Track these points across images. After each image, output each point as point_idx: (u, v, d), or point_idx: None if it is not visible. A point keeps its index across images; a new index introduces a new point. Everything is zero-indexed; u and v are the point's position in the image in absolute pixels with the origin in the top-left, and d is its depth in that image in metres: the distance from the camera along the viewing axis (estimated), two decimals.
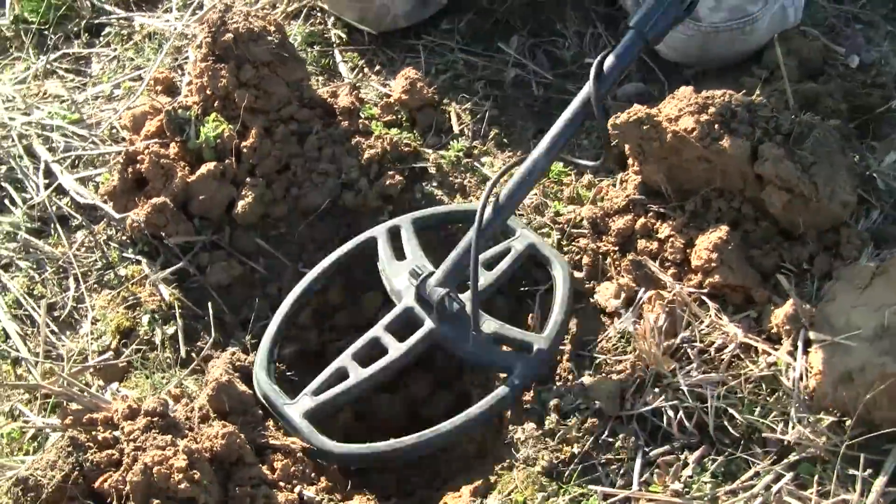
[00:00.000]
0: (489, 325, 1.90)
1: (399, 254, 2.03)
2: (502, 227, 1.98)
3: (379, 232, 2.06)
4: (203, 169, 2.14)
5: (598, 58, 1.92)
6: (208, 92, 2.22)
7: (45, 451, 1.76)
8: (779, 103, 2.12)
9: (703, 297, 1.92)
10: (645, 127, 2.02)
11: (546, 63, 2.49)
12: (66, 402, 1.81)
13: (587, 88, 1.89)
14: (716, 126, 1.97)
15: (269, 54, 2.21)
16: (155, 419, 1.74)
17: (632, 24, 1.93)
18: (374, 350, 1.92)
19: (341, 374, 1.90)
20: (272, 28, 2.23)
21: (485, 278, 1.95)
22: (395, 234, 2.06)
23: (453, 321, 1.90)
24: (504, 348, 1.92)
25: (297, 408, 1.86)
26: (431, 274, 1.93)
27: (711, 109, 1.99)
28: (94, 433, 1.75)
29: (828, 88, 2.23)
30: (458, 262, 1.91)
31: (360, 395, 1.90)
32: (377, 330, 1.93)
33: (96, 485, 1.70)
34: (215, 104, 2.23)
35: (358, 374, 1.88)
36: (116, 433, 1.75)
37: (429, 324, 1.90)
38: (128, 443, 1.72)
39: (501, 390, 1.85)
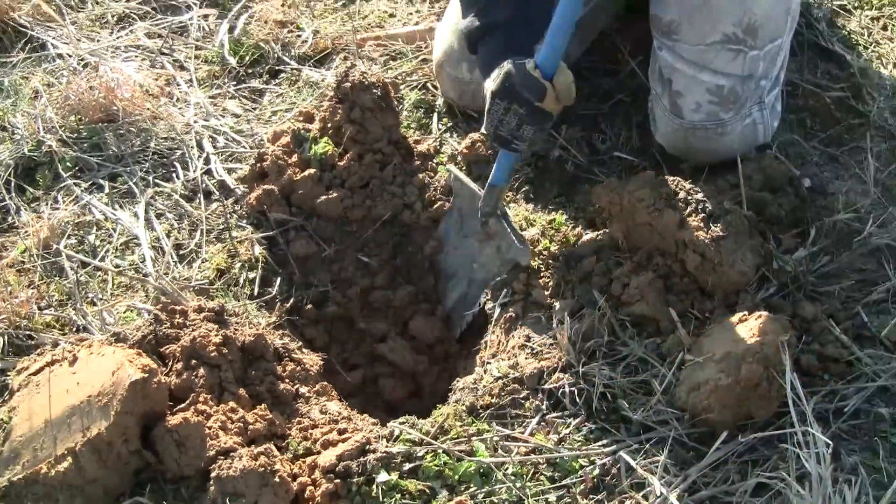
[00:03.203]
0: None
1: None
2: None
3: None
4: (306, 173, 2.82)
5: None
6: (327, 123, 2.89)
7: (137, 322, 2.52)
8: (733, 201, 2.58)
9: (627, 323, 2.46)
10: (613, 194, 2.59)
11: (585, 150, 2.98)
12: (161, 294, 2.58)
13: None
14: (660, 201, 2.52)
15: (372, 102, 2.84)
16: (211, 314, 2.44)
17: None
18: None
19: None
20: (379, 84, 2.86)
21: None
22: None
23: None
24: None
25: None
26: None
27: (660, 189, 2.54)
28: (171, 316, 2.44)
29: (777, 199, 2.68)
30: None
31: None
32: None
33: (161, 349, 2.38)
34: (330, 132, 2.89)
35: None
36: (185, 320, 2.44)
37: None
38: (189, 325, 2.44)
39: None
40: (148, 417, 2.21)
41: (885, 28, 3.32)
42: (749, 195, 2.67)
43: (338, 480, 2.18)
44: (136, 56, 3.47)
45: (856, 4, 3.41)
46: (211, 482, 2.13)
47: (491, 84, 2.48)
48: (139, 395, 2.17)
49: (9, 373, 2.43)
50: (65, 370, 2.30)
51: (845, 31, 3.32)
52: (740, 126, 2.81)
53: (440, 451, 2.25)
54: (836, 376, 2.36)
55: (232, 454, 2.16)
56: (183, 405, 2.25)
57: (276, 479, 2.13)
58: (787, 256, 2.57)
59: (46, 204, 2.91)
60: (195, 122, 3.15)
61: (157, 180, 2.99)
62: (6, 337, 2.51)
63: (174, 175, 3.06)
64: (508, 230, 2.64)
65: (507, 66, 2.44)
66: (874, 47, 3.26)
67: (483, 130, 2.63)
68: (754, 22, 2.71)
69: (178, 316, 2.45)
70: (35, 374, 2.35)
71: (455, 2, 3.03)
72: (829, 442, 1.99)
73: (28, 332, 2.53)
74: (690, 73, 2.77)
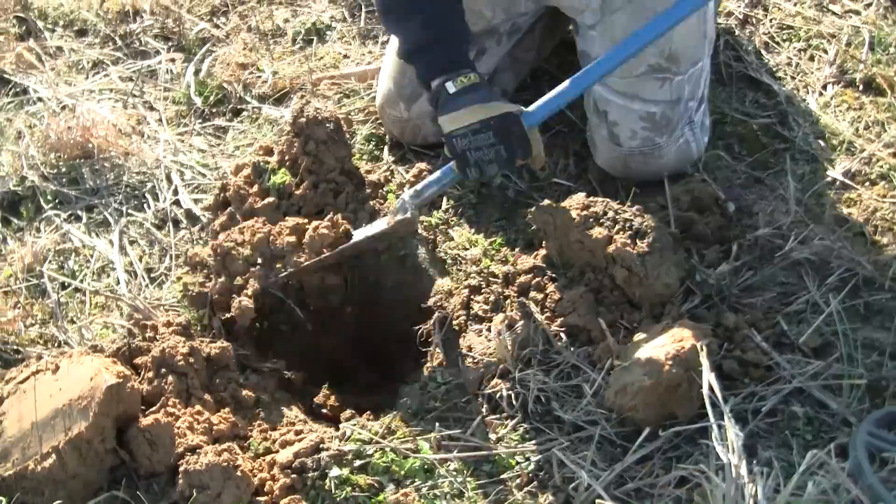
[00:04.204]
0: None
1: None
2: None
3: None
4: (266, 201, 2.99)
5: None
6: (285, 155, 3.06)
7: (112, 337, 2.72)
8: (661, 221, 2.75)
9: (561, 333, 2.64)
10: (547, 215, 2.77)
11: (525, 177, 3.15)
12: (133, 311, 2.76)
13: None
14: (590, 220, 2.70)
15: (325, 135, 3.00)
16: (178, 328, 2.63)
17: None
18: None
19: None
20: (332, 119, 3.02)
21: None
22: None
23: None
24: None
25: None
26: None
27: (591, 208, 2.72)
28: (143, 330, 2.64)
29: (704, 218, 2.85)
30: None
31: None
32: None
33: (134, 360, 2.58)
34: (287, 163, 3.06)
35: None
36: (156, 334, 2.63)
37: None
38: (158, 338, 2.63)
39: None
40: (122, 419, 2.41)
41: (811, 59, 3.52)
42: (677, 215, 2.85)
43: (294, 475, 2.37)
44: (110, 98, 3.67)
45: (784, 37, 3.61)
46: (179, 476, 2.32)
47: (485, 109, 2.66)
48: (114, 399, 2.37)
49: None
50: (49, 378, 2.49)
51: (773, 62, 3.52)
52: (674, 147, 3.00)
53: (388, 448, 2.43)
54: (756, 380, 2.51)
55: (198, 451, 2.35)
56: (154, 408, 2.44)
57: (239, 474, 2.31)
58: (710, 270, 2.73)
59: (30, 233, 3.11)
60: (164, 157, 3.35)
61: (129, 210, 3.17)
62: None
63: (145, 205, 3.26)
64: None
65: (510, 108, 2.66)
66: (801, 77, 3.45)
67: (444, 147, 2.79)
68: (675, 50, 2.89)
69: (149, 330, 2.65)
70: (22, 382, 2.54)
71: (391, 49, 3.23)
72: (740, 433, 2.11)
73: (15, 347, 2.74)
74: (623, 103, 2.96)
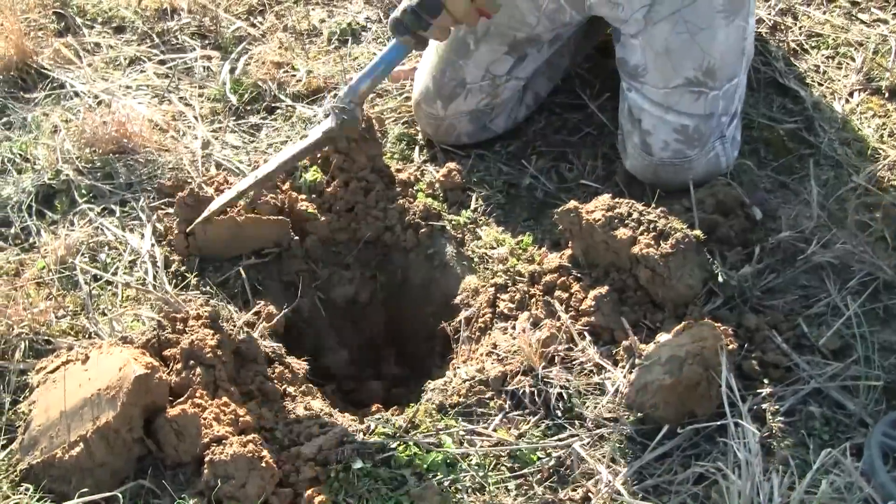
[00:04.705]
0: None
1: None
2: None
3: None
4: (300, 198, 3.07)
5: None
6: (317, 153, 3.15)
7: (142, 329, 2.77)
8: (686, 223, 2.77)
9: (585, 332, 2.68)
10: (572, 215, 2.80)
11: (554, 178, 3.22)
12: (163, 303, 2.82)
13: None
14: (614, 221, 2.74)
15: (357, 134, 3.06)
16: (207, 321, 2.66)
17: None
18: None
19: None
20: (364, 118, 3.06)
21: None
22: None
23: None
24: None
25: None
26: None
27: (616, 210, 2.76)
28: (172, 323, 2.68)
29: (728, 221, 2.88)
30: None
31: None
32: None
33: (163, 352, 2.61)
34: (319, 161, 3.14)
35: None
36: (185, 327, 2.67)
37: None
38: (188, 331, 2.66)
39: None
40: (150, 410, 2.45)
41: (839, 66, 3.55)
42: (701, 217, 2.88)
43: (318, 467, 2.40)
44: (146, 94, 3.72)
45: (812, 44, 3.64)
46: (205, 466, 2.36)
47: None
48: (143, 389, 2.41)
49: (29, 373, 2.67)
50: (78, 368, 2.54)
51: (801, 68, 3.56)
52: (704, 160, 3.03)
53: (411, 443, 2.47)
54: (775, 380, 2.55)
55: (224, 441, 2.39)
56: (181, 399, 2.49)
57: (263, 465, 2.35)
58: (732, 272, 2.77)
59: (63, 226, 3.15)
60: (199, 153, 3.40)
61: (162, 205, 3.21)
62: (27, 342, 2.76)
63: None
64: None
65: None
66: (828, 83, 3.48)
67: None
68: (712, 65, 2.93)
69: (178, 323, 2.69)
70: (52, 372, 2.59)
71: (431, 48, 3.28)
72: (756, 431, 2.18)
73: (46, 338, 2.77)
74: (657, 113, 3.00)
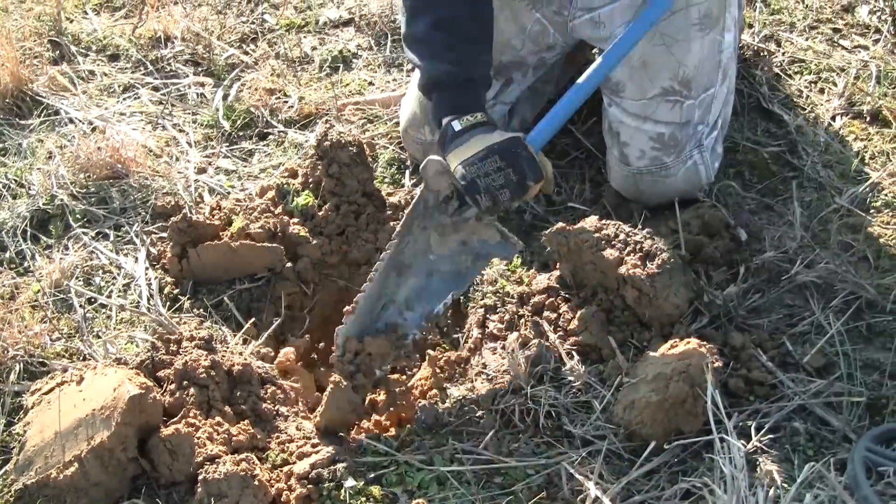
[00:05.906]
0: None
1: None
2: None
3: None
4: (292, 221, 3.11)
5: None
6: (308, 178, 3.17)
7: (136, 350, 2.80)
8: (672, 244, 2.82)
9: (573, 351, 2.71)
10: (561, 237, 2.83)
11: (542, 201, 3.26)
12: (157, 325, 2.86)
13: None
14: (602, 242, 2.77)
15: (348, 158, 3.10)
16: (201, 342, 2.70)
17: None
18: None
19: None
20: (355, 143, 3.13)
21: None
22: None
23: None
24: None
25: None
26: None
27: (603, 231, 2.79)
28: (166, 344, 2.71)
29: (713, 242, 2.92)
30: None
31: None
32: None
33: (157, 373, 2.64)
34: (311, 185, 3.17)
35: None
36: (178, 348, 2.70)
37: None
38: (181, 352, 2.70)
39: None
40: (144, 429, 2.48)
41: (821, 91, 3.59)
42: (687, 238, 2.92)
43: (310, 486, 2.43)
44: (140, 120, 3.76)
45: (795, 70, 3.69)
46: (198, 484, 2.39)
47: (489, 138, 2.67)
48: (137, 409, 2.44)
49: (24, 394, 2.70)
50: (73, 389, 2.57)
51: (785, 93, 3.60)
52: (683, 168, 3.07)
53: (402, 461, 2.50)
54: (760, 397, 2.58)
55: (217, 460, 2.42)
56: (175, 419, 2.52)
57: (256, 483, 2.38)
58: (718, 292, 2.80)
59: (58, 250, 3.18)
60: (192, 175, 3.44)
61: (155, 229, 3.24)
62: (22, 364, 2.79)
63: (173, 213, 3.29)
64: (496, 225, 2.81)
65: (514, 134, 2.68)
66: (811, 108, 3.52)
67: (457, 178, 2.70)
68: (688, 75, 2.99)
69: (172, 344, 2.72)
70: (47, 393, 2.62)
71: (417, 76, 3.30)
72: (742, 447, 2.20)
73: (41, 360, 2.81)
74: (634, 124, 3.05)
